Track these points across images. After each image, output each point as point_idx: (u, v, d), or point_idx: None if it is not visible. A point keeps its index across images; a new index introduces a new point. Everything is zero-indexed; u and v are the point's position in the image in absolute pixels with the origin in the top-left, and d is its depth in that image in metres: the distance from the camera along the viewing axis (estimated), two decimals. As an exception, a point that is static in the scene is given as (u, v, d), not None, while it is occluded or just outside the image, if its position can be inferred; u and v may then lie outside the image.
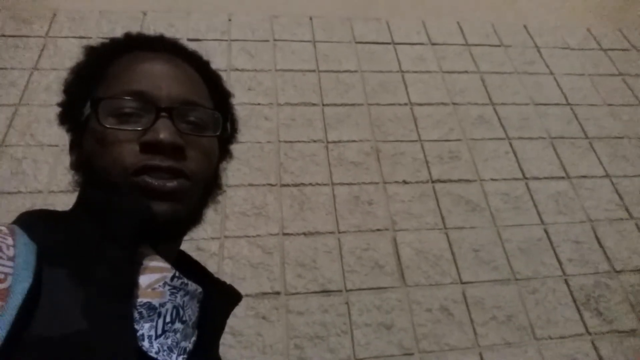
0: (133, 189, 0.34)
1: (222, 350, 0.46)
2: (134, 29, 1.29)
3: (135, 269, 0.33)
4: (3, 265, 0.26)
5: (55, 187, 1.00)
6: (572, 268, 1.05)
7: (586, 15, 1.64)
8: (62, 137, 1.06)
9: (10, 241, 0.29)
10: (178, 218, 0.36)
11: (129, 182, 0.34)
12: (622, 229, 1.13)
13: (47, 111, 1.11)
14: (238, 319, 0.89)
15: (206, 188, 0.41)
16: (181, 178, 0.36)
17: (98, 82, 0.40)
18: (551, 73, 1.44)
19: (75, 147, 0.41)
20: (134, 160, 0.35)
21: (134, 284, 0.32)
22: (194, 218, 0.40)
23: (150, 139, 0.35)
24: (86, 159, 0.38)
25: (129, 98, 0.37)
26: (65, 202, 0.98)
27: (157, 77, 0.39)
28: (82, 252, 0.32)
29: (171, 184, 0.35)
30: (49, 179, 1.01)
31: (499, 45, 1.48)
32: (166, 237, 0.37)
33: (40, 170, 1.02)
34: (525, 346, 0.94)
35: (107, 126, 0.35)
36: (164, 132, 0.35)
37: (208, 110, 0.41)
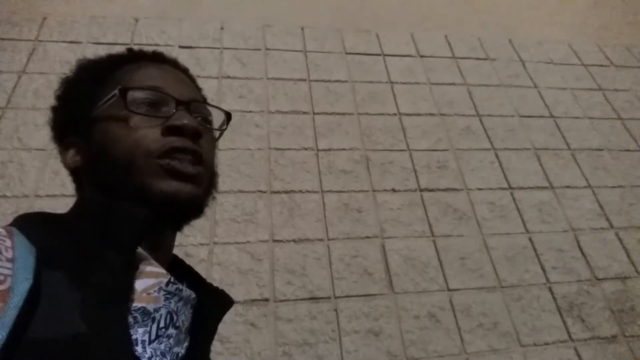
0: (155, 171, 0.36)
1: (210, 357, 0.46)
2: (126, 35, 1.30)
3: (132, 274, 0.33)
4: (2, 267, 0.26)
5: (42, 192, 0.99)
6: (556, 276, 1.08)
7: (568, 31, 1.71)
8: (50, 142, 1.05)
9: (8, 243, 0.29)
10: (197, 199, 0.39)
11: (152, 164, 0.36)
12: (603, 238, 1.16)
13: (34, 115, 1.10)
14: (226, 325, 0.88)
15: (211, 180, 0.43)
16: (199, 165, 0.39)
17: (107, 84, 0.41)
18: (535, 86, 1.48)
19: (74, 146, 0.42)
20: (159, 144, 0.37)
21: (131, 289, 0.33)
22: (203, 205, 0.41)
23: (176, 123, 0.38)
24: (99, 149, 0.39)
25: (152, 90, 0.40)
26: (52, 206, 0.97)
27: (167, 78, 0.42)
28: (81, 255, 0.32)
29: (193, 168, 0.38)
30: (36, 183, 1.00)
31: (485, 59, 1.52)
32: (182, 217, 0.40)
33: (26, 174, 1.01)
34: (510, 353, 0.95)
35: (137, 112, 0.38)
36: (186, 118, 0.39)
37: (216, 109, 0.45)
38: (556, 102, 1.45)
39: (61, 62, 1.21)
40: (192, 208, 0.39)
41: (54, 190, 1.00)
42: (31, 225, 0.34)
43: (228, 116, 0.47)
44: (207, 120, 0.44)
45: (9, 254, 0.28)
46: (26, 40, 1.24)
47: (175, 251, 0.45)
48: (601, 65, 1.60)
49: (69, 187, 1.03)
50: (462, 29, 1.59)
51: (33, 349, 0.25)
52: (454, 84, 1.42)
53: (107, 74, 0.42)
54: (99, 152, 0.38)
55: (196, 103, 0.42)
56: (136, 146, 0.37)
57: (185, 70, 0.48)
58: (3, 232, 0.30)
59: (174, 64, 0.47)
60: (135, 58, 0.45)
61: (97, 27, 1.30)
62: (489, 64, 1.51)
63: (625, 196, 1.26)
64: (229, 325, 0.89)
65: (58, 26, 1.28)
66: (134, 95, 0.39)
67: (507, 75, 1.49)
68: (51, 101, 0.46)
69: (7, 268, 0.27)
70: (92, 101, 0.41)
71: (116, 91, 0.38)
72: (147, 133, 0.37)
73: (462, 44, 1.54)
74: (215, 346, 0.86)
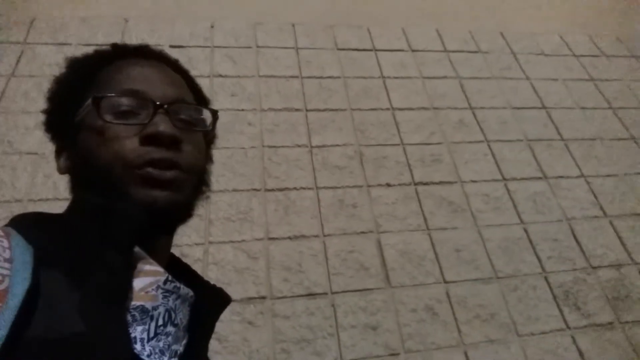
0: (135, 180, 0.36)
1: (208, 356, 0.46)
2: (116, 35, 1.29)
3: (130, 273, 0.33)
4: (0, 267, 0.26)
5: (35, 196, 0.98)
6: (551, 265, 1.08)
7: (559, 23, 1.71)
8: (41, 145, 1.04)
9: (5, 243, 0.29)
10: (177, 205, 0.38)
11: (132, 174, 0.36)
12: (597, 226, 1.17)
13: (25, 118, 1.09)
14: (224, 324, 0.88)
15: (198, 182, 0.42)
16: (177, 169, 0.38)
17: (90, 87, 0.41)
18: (527, 78, 1.49)
19: (64, 150, 0.42)
20: (136, 154, 0.36)
21: (130, 288, 0.33)
22: (188, 209, 0.41)
23: (152, 131, 0.37)
24: (82, 158, 0.38)
25: (128, 96, 0.38)
26: (45, 210, 0.96)
27: (150, 78, 0.41)
28: (79, 255, 0.32)
29: (169, 173, 0.37)
30: (28, 187, 0.99)
31: (477, 52, 1.52)
32: (166, 225, 0.39)
33: (18, 179, 1.00)
34: (508, 343, 0.96)
35: (110, 121, 0.37)
36: (163, 125, 0.37)
37: (201, 108, 0.44)
38: (548, 93, 1.45)
39: (51, 64, 1.20)
40: (173, 214, 0.38)
41: (47, 193, 0.99)
42: (28, 225, 0.33)
43: (214, 115, 0.45)
44: (193, 118, 0.42)
45: (7, 254, 0.28)
46: (15, 43, 1.22)
47: (171, 251, 0.45)
48: (592, 56, 1.61)
49: (62, 190, 1.03)
50: (453, 23, 1.59)
51: (32, 348, 0.25)
52: (446, 77, 1.42)
53: (92, 72, 0.42)
54: (82, 161, 0.38)
55: (179, 104, 0.41)
56: (114, 159, 0.36)
57: (173, 63, 0.47)
58: (0, 232, 0.30)
59: (161, 57, 0.46)
60: (120, 54, 0.44)
61: (87, 28, 1.29)
62: (480, 56, 1.51)
63: (618, 184, 1.27)
64: (226, 324, 0.89)
65: (47, 28, 1.27)
66: (110, 102, 0.37)
67: (499, 67, 1.49)
68: (41, 104, 0.46)
69: (5, 268, 0.26)
70: (76, 105, 0.40)
71: (89, 101, 0.38)
72: (124, 144, 0.36)
73: (453, 38, 1.54)
74: (213, 345, 0.86)
